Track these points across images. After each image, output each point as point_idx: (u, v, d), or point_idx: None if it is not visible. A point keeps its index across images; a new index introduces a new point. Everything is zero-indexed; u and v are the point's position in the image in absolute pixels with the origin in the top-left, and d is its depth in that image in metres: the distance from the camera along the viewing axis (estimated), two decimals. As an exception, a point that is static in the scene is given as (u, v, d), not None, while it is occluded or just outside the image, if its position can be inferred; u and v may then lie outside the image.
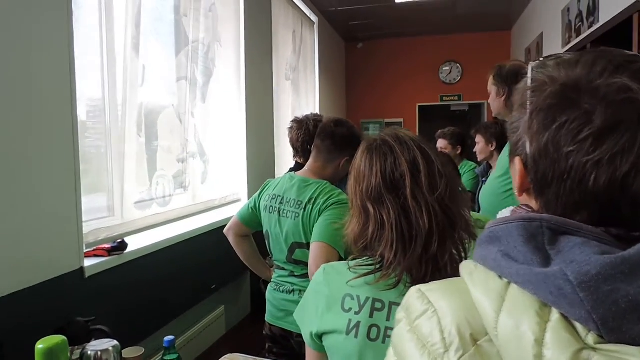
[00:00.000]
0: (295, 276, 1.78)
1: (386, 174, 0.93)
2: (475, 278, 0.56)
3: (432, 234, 0.89)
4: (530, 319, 0.49)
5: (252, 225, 1.91)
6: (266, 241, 1.86)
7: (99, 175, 2.09)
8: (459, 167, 3.38)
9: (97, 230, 1.96)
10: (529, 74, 0.60)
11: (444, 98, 6.91)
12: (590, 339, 0.46)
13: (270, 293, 1.87)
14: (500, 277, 0.54)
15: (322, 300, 0.97)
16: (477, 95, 6.66)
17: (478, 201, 3.08)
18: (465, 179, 3.38)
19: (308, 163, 1.85)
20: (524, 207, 0.61)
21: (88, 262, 1.86)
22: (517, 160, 0.60)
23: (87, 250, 1.89)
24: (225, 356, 1.67)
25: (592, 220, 0.54)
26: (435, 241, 0.89)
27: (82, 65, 1.90)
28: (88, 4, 2.02)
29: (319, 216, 1.66)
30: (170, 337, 1.41)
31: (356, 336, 0.91)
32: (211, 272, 2.82)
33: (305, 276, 1.74)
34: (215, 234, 2.73)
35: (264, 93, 3.78)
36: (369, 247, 0.95)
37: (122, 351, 1.56)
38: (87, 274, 1.83)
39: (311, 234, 1.67)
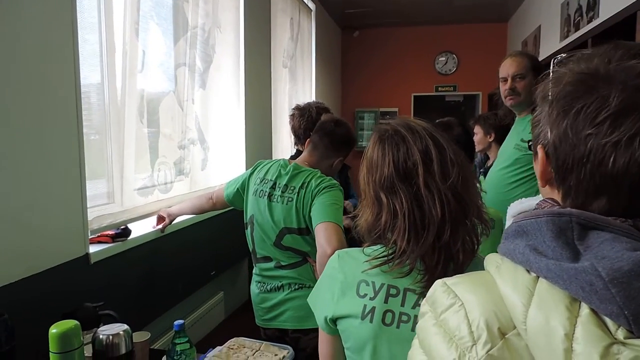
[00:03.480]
0: (282, 267, 1.76)
1: (399, 163, 0.95)
2: (503, 271, 0.57)
3: (445, 222, 0.91)
4: (560, 313, 0.49)
5: (235, 205, 1.95)
6: (247, 229, 1.84)
7: (100, 162, 2.08)
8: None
9: (101, 217, 1.95)
10: (551, 69, 0.62)
11: (439, 88, 6.93)
12: (620, 333, 0.47)
13: (256, 296, 1.85)
14: (528, 271, 0.54)
15: (337, 285, 0.99)
16: (472, 86, 6.69)
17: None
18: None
19: (302, 155, 1.87)
20: (549, 201, 0.61)
21: (93, 249, 1.86)
22: (540, 148, 0.61)
23: (91, 236, 1.89)
24: (231, 340, 1.69)
25: (613, 207, 0.55)
26: (448, 229, 0.91)
27: (81, 50, 1.87)
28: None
29: (312, 200, 1.68)
30: (180, 321, 1.42)
31: (371, 321, 0.94)
32: (210, 258, 2.83)
33: (294, 265, 1.74)
34: (214, 220, 2.74)
35: (262, 80, 3.76)
36: (382, 236, 0.97)
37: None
38: (92, 260, 1.83)
39: (304, 219, 1.69)
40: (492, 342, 0.54)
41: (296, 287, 1.74)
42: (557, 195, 0.61)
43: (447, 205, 0.91)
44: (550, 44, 4.30)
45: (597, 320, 0.48)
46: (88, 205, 1.87)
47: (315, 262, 1.62)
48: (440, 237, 0.91)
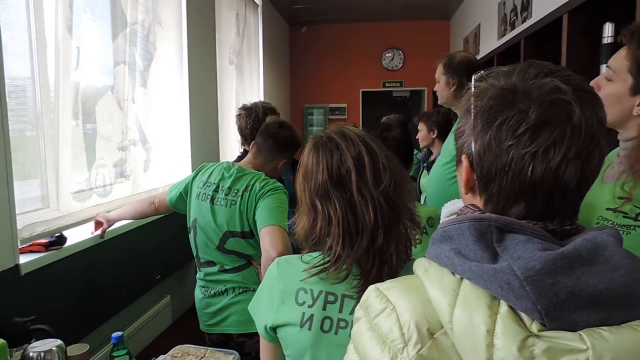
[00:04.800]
0: (226, 271, 1.75)
1: (332, 170, 0.96)
2: (431, 275, 0.60)
3: (378, 227, 0.93)
4: (482, 311, 0.53)
5: (178, 209, 1.91)
6: (191, 233, 1.81)
7: (32, 164, 1.97)
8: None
9: (33, 225, 1.85)
10: (472, 84, 0.67)
11: (386, 84, 7.05)
12: (535, 327, 0.51)
13: (200, 301, 1.83)
14: (453, 273, 0.58)
15: (276, 294, 0.99)
16: (418, 82, 6.85)
17: (419, 185, 3.22)
18: (409, 165, 3.50)
19: (247, 157, 1.86)
20: (471, 207, 0.65)
21: (23, 259, 1.76)
22: (464, 158, 0.65)
23: (22, 246, 1.78)
24: (175, 347, 1.65)
25: (530, 212, 0.60)
26: (381, 233, 0.93)
27: (8, 45, 1.75)
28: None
29: (256, 203, 1.67)
30: (119, 333, 1.38)
31: (310, 328, 0.95)
32: (155, 262, 2.75)
33: (238, 269, 1.73)
34: (157, 223, 2.66)
35: (207, 77, 3.68)
36: (319, 243, 0.98)
37: (67, 348, 1.51)
38: (23, 272, 1.72)
39: (247, 222, 1.68)
40: (422, 342, 0.57)
41: (240, 290, 1.72)
42: (478, 202, 0.65)
43: (379, 211, 0.93)
44: (490, 42, 4.47)
45: (514, 316, 0.52)
46: (19, 212, 1.77)
47: (260, 265, 1.61)
48: (374, 241, 0.93)
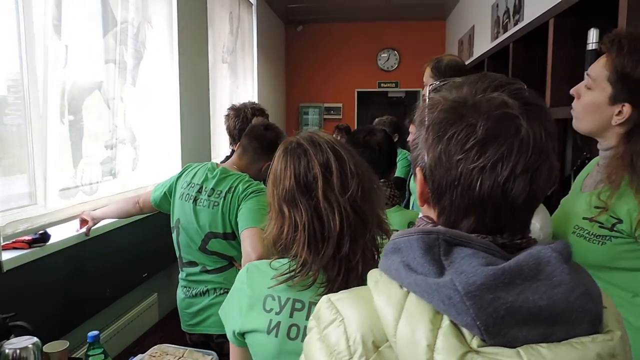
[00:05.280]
0: (208, 272, 1.75)
1: (300, 176, 0.96)
2: (380, 287, 0.60)
3: (344, 234, 0.93)
4: (424, 325, 0.53)
5: (162, 209, 1.91)
6: (174, 233, 1.82)
7: (18, 161, 1.97)
8: (393, 155, 3.49)
9: (16, 222, 1.85)
10: (427, 96, 0.67)
11: (382, 84, 7.06)
12: (475, 343, 0.51)
13: (181, 301, 1.84)
14: (401, 286, 0.58)
15: (244, 299, 1.00)
16: (413, 83, 6.85)
17: (408, 187, 3.22)
18: (400, 166, 3.51)
19: (232, 158, 1.87)
20: (425, 219, 0.65)
21: (6, 256, 1.77)
22: (418, 170, 0.64)
23: (4, 243, 1.79)
24: (154, 347, 1.66)
25: (480, 225, 0.59)
26: (347, 241, 0.93)
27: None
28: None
29: (239, 205, 1.67)
30: (95, 333, 1.38)
31: (276, 335, 0.95)
32: (142, 261, 2.76)
33: (220, 270, 1.74)
34: (145, 221, 2.66)
35: (199, 76, 3.68)
36: (287, 249, 0.98)
37: (46, 345, 1.51)
38: (5, 268, 1.73)
39: (230, 224, 1.68)
40: (366, 355, 0.57)
41: (222, 291, 1.73)
42: (433, 214, 0.65)
43: (345, 218, 0.93)
44: (483, 44, 4.47)
45: (456, 331, 0.52)
46: (5, 208, 1.78)
47: (241, 266, 1.62)
48: (340, 248, 0.93)
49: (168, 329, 2.95)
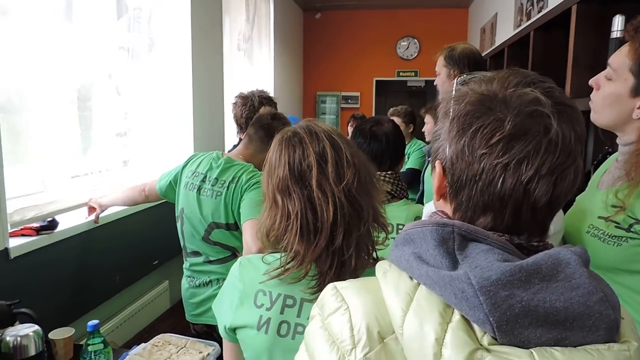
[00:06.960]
0: (211, 262, 1.74)
1: (294, 165, 0.93)
2: (389, 278, 0.59)
3: (337, 225, 0.90)
4: (433, 319, 0.51)
5: (168, 198, 1.90)
6: (178, 222, 1.81)
7: (28, 148, 1.98)
8: (408, 145, 3.42)
9: (24, 209, 1.87)
10: (454, 88, 0.64)
11: (401, 73, 6.93)
12: (486, 340, 0.49)
13: (186, 291, 1.83)
14: (411, 277, 0.56)
15: (236, 294, 0.97)
16: (433, 72, 6.64)
17: (423, 179, 3.15)
18: (414, 157, 3.44)
19: (238, 148, 1.84)
20: (440, 213, 0.63)
21: (13, 243, 1.78)
22: (437, 163, 0.63)
23: (12, 230, 1.81)
24: (157, 336, 1.66)
25: (497, 224, 0.58)
26: (341, 233, 0.90)
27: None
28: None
29: (242, 195, 1.65)
30: (94, 322, 1.38)
31: (266, 332, 0.93)
32: (153, 248, 2.77)
33: (222, 260, 1.72)
34: (156, 209, 2.67)
35: (213, 64, 3.66)
36: (280, 240, 0.95)
37: (51, 332, 1.53)
38: (12, 255, 1.75)
39: (232, 214, 1.66)
40: (371, 345, 0.55)
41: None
42: (449, 209, 0.63)
43: (339, 209, 0.90)
44: (505, 32, 4.34)
45: (466, 326, 0.50)
46: (10, 196, 1.78)
47: None
48: (333, 240, 0.90)
49: (179, 316, 2.96)
